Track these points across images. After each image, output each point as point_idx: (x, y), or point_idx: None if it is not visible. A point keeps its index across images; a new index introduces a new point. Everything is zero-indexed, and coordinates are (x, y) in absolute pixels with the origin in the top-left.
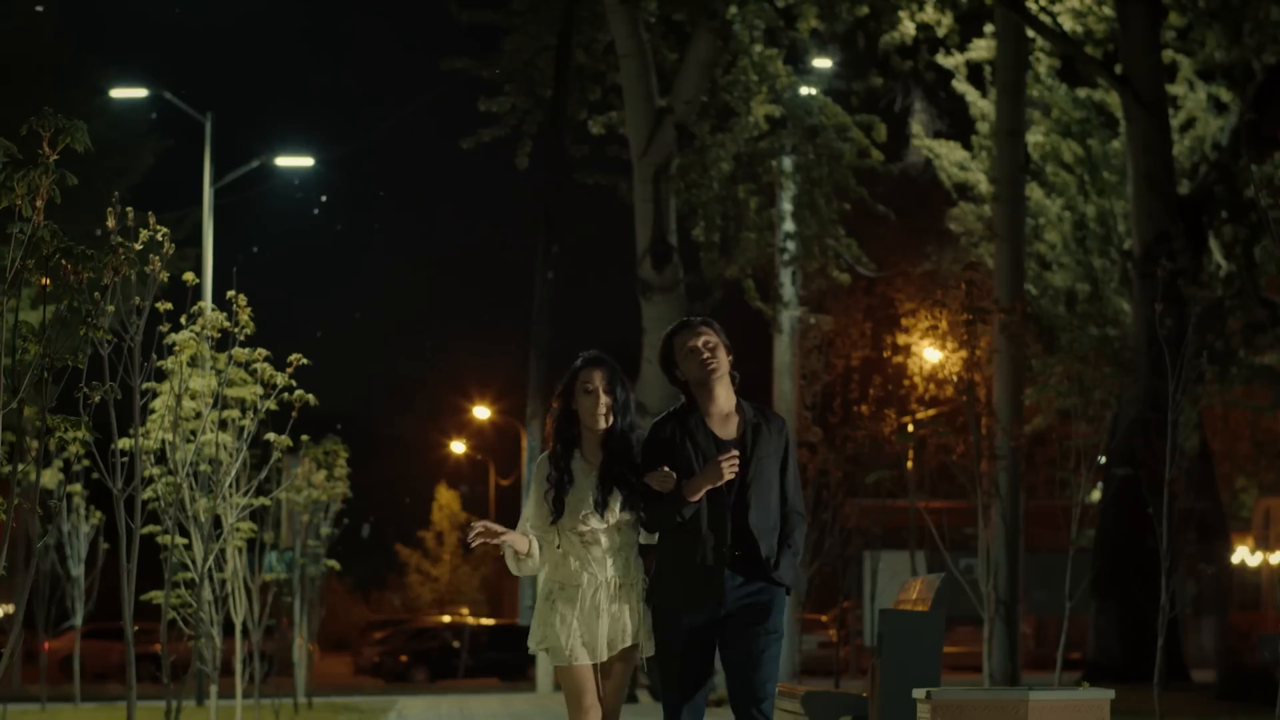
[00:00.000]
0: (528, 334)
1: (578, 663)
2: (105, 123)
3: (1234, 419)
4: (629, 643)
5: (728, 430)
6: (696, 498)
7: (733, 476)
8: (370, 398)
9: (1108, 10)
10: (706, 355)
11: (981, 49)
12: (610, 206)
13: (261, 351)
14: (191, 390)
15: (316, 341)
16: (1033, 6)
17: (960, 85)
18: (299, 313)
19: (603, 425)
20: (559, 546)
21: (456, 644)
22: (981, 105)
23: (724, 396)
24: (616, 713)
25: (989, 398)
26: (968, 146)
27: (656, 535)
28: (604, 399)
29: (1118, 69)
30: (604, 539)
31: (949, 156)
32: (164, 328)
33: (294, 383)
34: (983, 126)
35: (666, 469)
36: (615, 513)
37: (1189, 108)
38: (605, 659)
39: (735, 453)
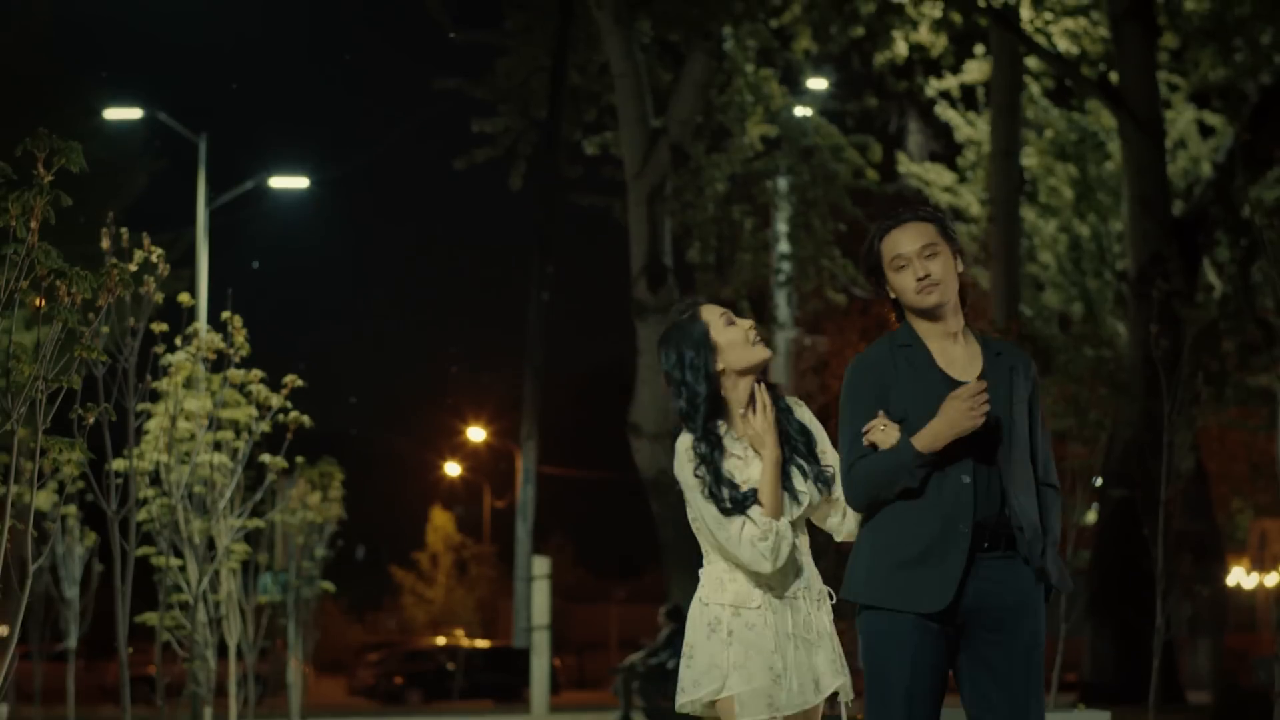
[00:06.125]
0: (523, 355)
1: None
2: (100, 143)
3: (1230, 440)
4: (832, 686)
5: (960, 365)
6: (933, 451)
7: (981, 422)
8: (365, 419)
9: (1103, 31)
10: (923, 274)
11: (975, 71)
12: (605, 227)
13: (256, 373)
14: (186, 411)
15: (311, 363)
16: (1028, 28)
17: (945, 113)
18: (294, 334)
19: (765, 354)
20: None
21: (451, 666)
22: (967, 130)
23: (953, 320)
24: None
25: None
26: (957, 168)
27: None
28: (750, 323)
29: (1113, 89)
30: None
31: (938, 182)
32: (159, 349)
33: (289, 404)
34: (970, 151)
35: (885, 419)
36: (805, 499)
37: (1178, 128)
38: (801, 709)
39: (984, 384)
